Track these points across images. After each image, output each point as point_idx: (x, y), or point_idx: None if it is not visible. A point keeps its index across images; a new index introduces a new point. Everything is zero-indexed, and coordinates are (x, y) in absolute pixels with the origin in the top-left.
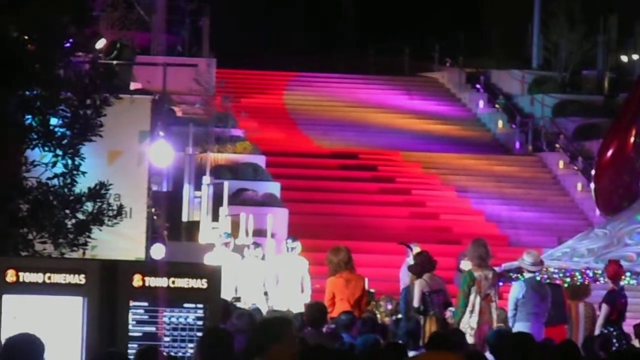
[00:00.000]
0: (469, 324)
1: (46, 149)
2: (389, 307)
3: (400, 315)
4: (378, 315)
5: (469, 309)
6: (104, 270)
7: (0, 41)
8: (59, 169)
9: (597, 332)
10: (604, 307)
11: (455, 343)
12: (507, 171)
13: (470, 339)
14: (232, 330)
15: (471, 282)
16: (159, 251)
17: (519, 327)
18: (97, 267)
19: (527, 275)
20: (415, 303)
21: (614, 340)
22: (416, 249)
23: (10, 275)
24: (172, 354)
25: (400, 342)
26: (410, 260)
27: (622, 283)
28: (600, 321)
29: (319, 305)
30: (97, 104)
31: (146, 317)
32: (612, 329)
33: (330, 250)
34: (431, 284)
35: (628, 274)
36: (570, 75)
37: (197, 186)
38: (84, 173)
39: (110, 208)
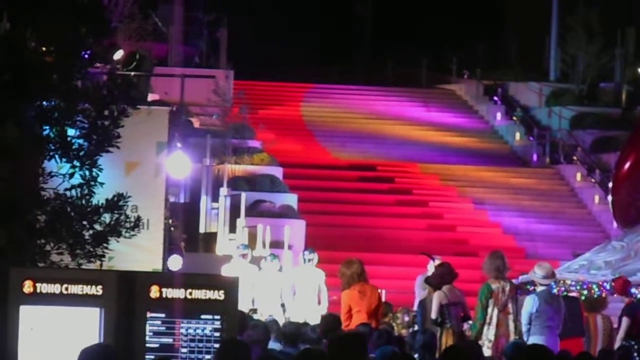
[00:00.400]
0: (486, 336)
1: (64, 160)
2: (406, 319)
3: (417, 327)
4: (395, 327)
5: (486, 321)
6: (121, 282)
7: (18, 52)
8: (77, 180)
9: (617, 345)
10: (625, 320)
11: (472, 356)
12: (525, 183)
13: (487, 352)
14: (248, 341)
15: (489, 295)
16: (176, 262)
17: (533, 340)
18: (115, 278)
19: (539, 288)
20: (433, 315)
21: (635, 354)
22: (437, 261)
23: (28, 286)
24: None
25: (416, 355)
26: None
27: (639, 295)
28: (621, 334)
29: (334, 316)
30: (115, 115)
31: (163, 328)
32: (633, 343)
33: (342, 263)
34: (450, 296)
35: None
36: (587, 88)
37: (215, 197)
38: (101, 184)
39: (127, 220)
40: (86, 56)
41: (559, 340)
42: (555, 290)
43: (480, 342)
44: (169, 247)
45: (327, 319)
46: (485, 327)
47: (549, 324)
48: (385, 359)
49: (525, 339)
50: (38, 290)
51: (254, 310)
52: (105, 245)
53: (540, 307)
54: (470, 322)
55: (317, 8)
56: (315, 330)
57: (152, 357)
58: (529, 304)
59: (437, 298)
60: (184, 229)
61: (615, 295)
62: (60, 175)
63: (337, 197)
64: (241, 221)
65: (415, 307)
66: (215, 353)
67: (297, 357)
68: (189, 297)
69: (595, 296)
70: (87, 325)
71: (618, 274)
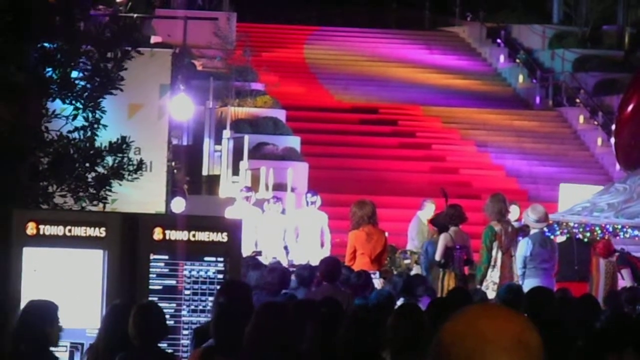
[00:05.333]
0: (491, 279)
1: (67, 101)
2: (406, 261)
3: (417, 271)
4: (395, 271)
5: (491, 263)
6: (124, 224)
7: None
8: (80, 122)
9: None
10: (625, 271)
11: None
12: (527, 126)
13: (492, 294)
14: (263, 283)
15: (493, 237)
16: (179, 205)
17: (528, 282)
18: (118, 220)
19: (532, 231)
20: (437, 257)
21: None
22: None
23: (31, 228)
24: (193, 307)
25: (401, 299)
26: (421, 215)
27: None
28: (628, 283)
29: (333, 259)
30: (118, 58)
31: (166, 270)
32: None
33: (355, 203)
34: (455, 238)
35: None
36: (590, 31)
37: (217, 140)
38: (104, 126)
39: (130, 162)
40: None
41: (565, 283)
42: (558, 233)
43: (485, 285)
44: (172, 190)
45: (326, 261)
46: (490, 269)
47: (544, 266)
48: (381, 300)
49: (520, 282)
50: (41, 232)
51: (258, 253)
52: (108, 187)
53: (534, 250)
54: (473, 265)
55: None
56: (314, 272)
57: (156, 298)
58: (523, 247)
59: (443, 240)
60: (187, 171)
61: (625, 237)
62: (63, 117)
63: (340, 139)
64: (244, 164)
65: (408, 246)
66: (215, 294)
67: (256, 313)
68: (192, 239)
69: (598, 238)
70: (90, 267)
71: (621, 216)
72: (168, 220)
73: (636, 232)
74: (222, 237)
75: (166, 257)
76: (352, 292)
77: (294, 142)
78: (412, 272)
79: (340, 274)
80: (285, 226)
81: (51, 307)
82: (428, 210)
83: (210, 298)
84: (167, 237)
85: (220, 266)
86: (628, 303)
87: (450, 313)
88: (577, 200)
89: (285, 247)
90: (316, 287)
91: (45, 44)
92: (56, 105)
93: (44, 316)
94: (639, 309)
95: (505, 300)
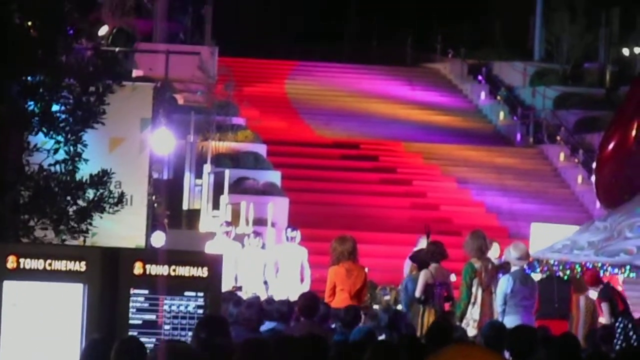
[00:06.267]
0: (471, 316)
1: (48, 135)
2: (386, 298)
3: (400, 307)
4: (376, 307)
5: (471, 300)
6: (105, 258)
7: (3, 27)
8: (61, 155)
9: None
10: (604, 305)
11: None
12: (508, 163)
13: (472, 331)
14: (241, 319)
15: (473, 274)
16: (159, 239)
17: (508, 320)
18: (98, 254)
19: (513, 268)
20: (417, 293)
21: (631, 333)
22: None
23: (11, 262)
24: None
25: (382, 334)
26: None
27: (622, 275)
28: (606, 317)
29: (312, 294)
30: (100, 91)
31: (146, 304)
32: (621, 320)
33: (336, 238)
34: (436, 275)
35: (628, 267)
36: (571, 68)
37: (198, 174)
38: (85, 160)
39: (111, 195)
40: (71, 32)
41: (545, 320)
42: (538, 270)
43: (464, 322)
44: (153, 224)
45: (304, 296)
46: (470, 307)
47: (524, 303)
48: (362, 336)
49: (500, 319)
50: (21, 266)
51: (238, 288)
52: (89, 221)
53: (514, 287)
54: (453, 302)
55: None
56: (292, 307)
57: (135, 333)
58: (504, 284)
59: (423, 277)
60: (168, 205)
61: (605, 275)
62: (44, 150)
63: (321, 174)
64: (224, 198)
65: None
66: (194, 328)
67: (240, 349)
68: (172, 273)
69: (578, 277)
70: (70, 301)
71: (601, 255)
72: (148, 254)
73: (616, 271)
74: (202, 272)
75: (146, 291)
76: (341, 326)
77: (274, 176)
78: (392, 309)
79: (318, 309)
80: (265, 261)
81: None
82: (422, 246)
83: (190, 333)
84: (148, 272)
85: (201, 301)
86: (604, 342)
87: (428, 350)
88: (549, 239)
89: (265, 282)
90: (295, 322)
91: (28, 77)
92: (37, 138)
93: None
94: (616, 346)
95: (489, 337)
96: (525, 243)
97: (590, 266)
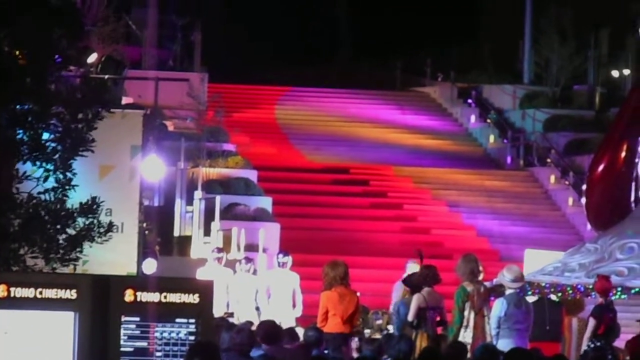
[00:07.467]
0: (463, 339)
1: (37, 163)
2: (378, 322)
3: (390, 331)
4: (367, 331)
5: (463, 324)
6: (95, 285)
7: None
8: (50, 183)
9: (584, 346)
10: (591, 320)
11: (459, 355)
12: (499, 186)
13: None
14: (231, 344)
15: (465, 297)
16: (150, 266)
17: (502, 343)
18: (89, 282)
19: (508, 291)
20: (410, 317)
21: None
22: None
23: (2, 290)
24: None
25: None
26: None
27: (613, 298)
28: (587, 334)
29: (270, 322)
30: (89, 118)
31: (138, 332)
32: (598, 344)
33: (327, 263)
34: (429, 299)
35: (619, 289)
36: (561, 90)
37: (189, 201)
38: (74, 187)
39: (100, 225)
40: (60, 59)
41: (537, 343)
42: (529, 293)
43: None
44: (144, 251)
45: (264, 324)
46: (462, 330)
47: (518, 327)
48: None
49: (494, 342)
50: (12, 294)
51: (230, 314)
52: (79, 249)
53: (508, 311)
54: (446, 326)
55: (293, 11)
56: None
57: None
58: (498, 307)
59: (416, 301)
60: (159, 232)
61: (596, 296)
62: (34, 178)
63: (312, 200)
64: (216, 224)
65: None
66: (185, 356)
67: None
68: (163, 300)
69: (569, 298)
70: (61, 329)
71: (592, 276)
72: (139, 281)
73: None
74: (193, 298)
75: (137, 318)
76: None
77: (265, 202)
78: (384, 333)
79: (279, 335)
80: (257, 287)
81: None
82: (411, 270)
83: None
84: (139, 299)
85: (192, 328)
86: None
87: None
88: (543, 265)
89: (257, 308)
90: (288, 346)
91: (16, 106)
92: (27, 167)
93: None
94: None
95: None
96: (518, 265)
97: (582, 288)
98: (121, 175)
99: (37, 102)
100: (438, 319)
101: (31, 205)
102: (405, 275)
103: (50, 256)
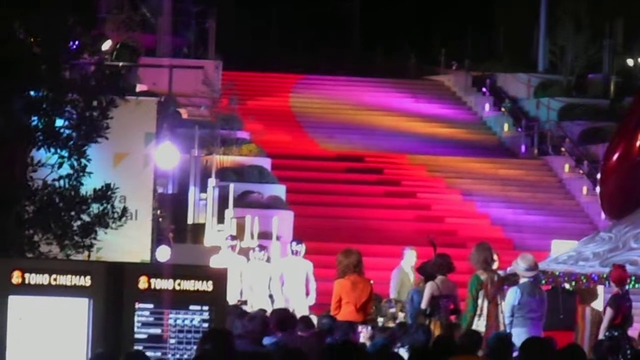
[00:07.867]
0: (477, 328)
1: (52, 150)
2: (392, 310)
3: (403, 320)
4: (380, 319)
5: (477, 312)
6: (109, 272)
7: (7, 43)
8: (65, 170)
9: (601, 335)
10: (608, 310)
11: (474, 344)
12: (513, 175)
13: None
14: (243, 332)
15: (479, 286)
16: (164, 253)
17: (516, 332)
18: (103, 268)
19: (522, 280)
20: (423, 305)
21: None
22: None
23: (16, 277)
24: (178, 355)
25: (405, 347)
26: (404, 264)
27: (627, 287)
28: (604, 324)
29: (283, 309)
30: (103, 106)
31: (152, 319)
32: (615, 333)
33: (341, 251)
34: (442, 288)
35: (633, 278)
36: (576, 79)
37: (203, 188)
38: (89, 174)
39: (114, 210)
40: (74, 47)
41: (550, 332)
42: (543, 282)
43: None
44: (157, 238)
45: (276, 312)
46: (476, 319)
47: (532, 315)
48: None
49: (508, 330)
50: (27, 281)
51: (244, 302)
52: (93, 235)
53: (522, 299)
54: (459, 314)
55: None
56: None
57: (141, 347)
58: (512, 296)
59: (429, 289)
60: (172, 219)
61: (611, 285)
62: (48, 165)
63: (325, 188)
64: (229, 212)
65: (391, 295)
66: (198, 342)
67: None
68: (177, 288)
69: (583, 287)
70: (75, 315)
71: (606, 266)
72: (153, 269)
73: None
74: (207, 286)
75: (151, 305)
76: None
77: (279, 190)
78: (397, 321)
79: (294, 322)
80: (271, 274)
81: None
82: (409, 257)
83: (195, 347)
84: (153, 286)
85: (206, 315)
86: (610, 353)
87: None
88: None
89: (271, 296)
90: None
91: (31, 93)
92: (41, 154)
93: None
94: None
95: (495, 349)
96: (532, 254)
97: (596, 277)
98: (135, 162)
99: (51, 89)
100: (452, 307)
101: (46, 192)
102: (402, 262)
103: (64, 243)
